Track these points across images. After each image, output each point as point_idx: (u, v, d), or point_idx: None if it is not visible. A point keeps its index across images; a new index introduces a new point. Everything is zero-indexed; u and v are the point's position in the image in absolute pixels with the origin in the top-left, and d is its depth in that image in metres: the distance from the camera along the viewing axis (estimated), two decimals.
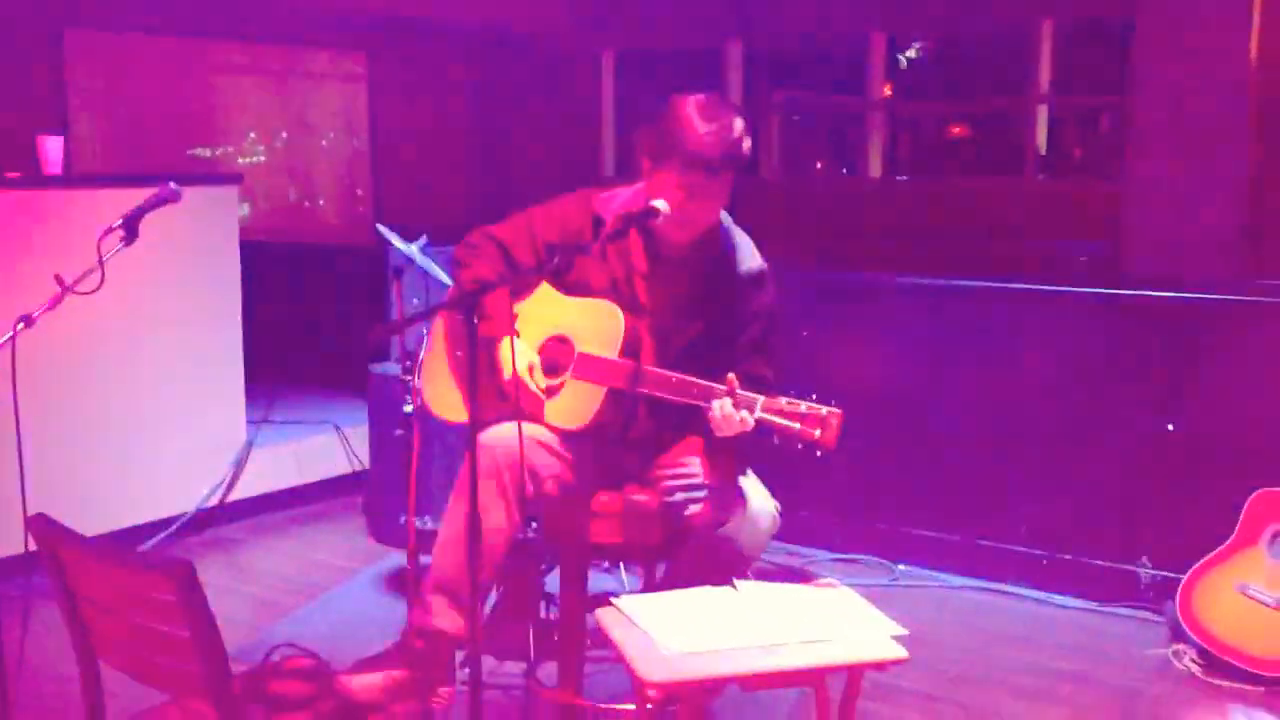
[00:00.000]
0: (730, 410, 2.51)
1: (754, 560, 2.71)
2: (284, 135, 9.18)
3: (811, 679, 2.32)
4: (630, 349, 2.75)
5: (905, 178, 9.62)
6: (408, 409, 3.78)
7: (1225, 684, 3.60)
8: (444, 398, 2.97)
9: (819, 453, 2.49)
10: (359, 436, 5.29)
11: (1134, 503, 4.15)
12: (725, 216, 2.88)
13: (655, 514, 2.79)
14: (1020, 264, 6.62)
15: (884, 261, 6.10)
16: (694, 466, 2.77)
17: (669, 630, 2.33)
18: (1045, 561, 4.28)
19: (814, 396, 2.52)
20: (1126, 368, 4.20)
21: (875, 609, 2.48)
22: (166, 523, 4.68)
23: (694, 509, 2.70)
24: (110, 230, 2.78)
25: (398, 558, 4.59)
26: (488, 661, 3.02)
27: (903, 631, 2.37)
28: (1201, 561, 3.76)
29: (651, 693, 2.19)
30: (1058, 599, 4.22)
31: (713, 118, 2.67)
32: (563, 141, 9.42)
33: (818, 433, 2.47)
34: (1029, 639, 3.94)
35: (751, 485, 2.73)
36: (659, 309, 2.82)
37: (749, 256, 2.86)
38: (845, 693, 2.38)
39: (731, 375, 2.55)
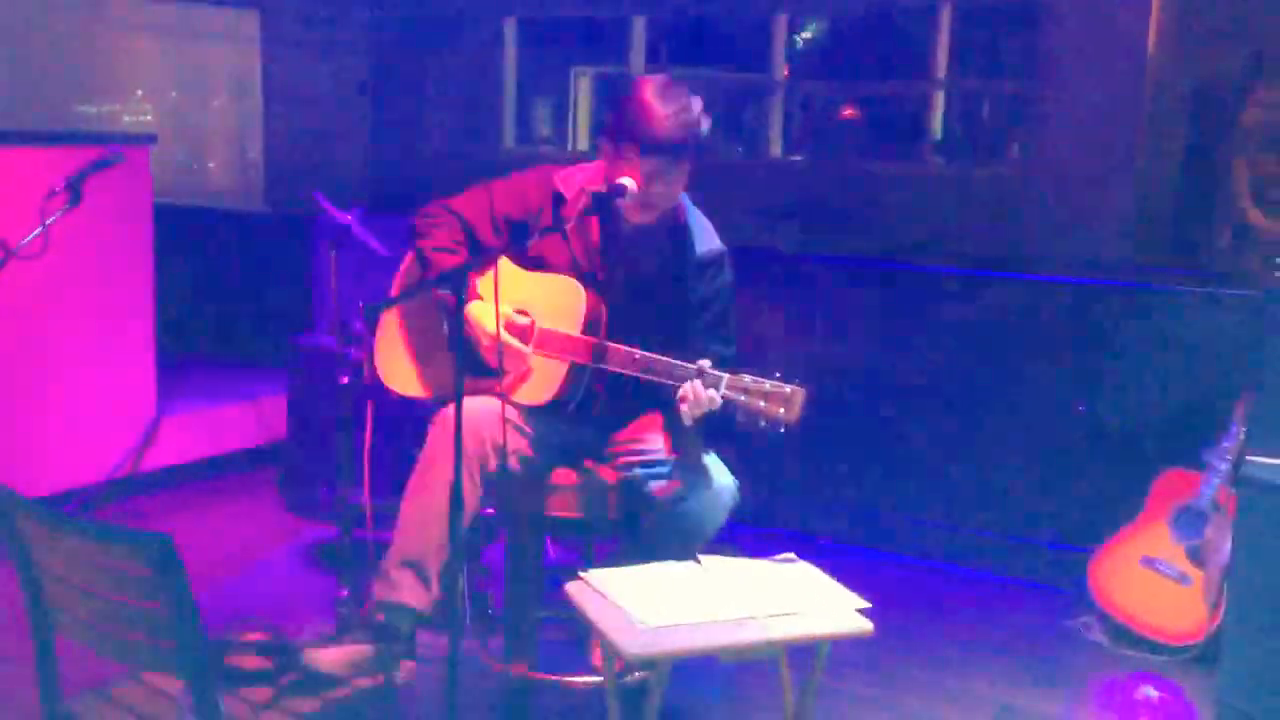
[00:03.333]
0: (700, 389, 2.55)
1: (712, 535, 2.76)
2: (173, 95, 8.92)
3: (780, 650, 2.38)
4: (591, 325, 2.78)
5: (799, 157, 9.74)
6: (345, 381, 3.74)
7: (1131, 654, 3.79)
8: (399, 371, 2.96)
9: (783, 429, 2.55)
10: (272, 408, 5.20)
11: (1043, 480, 4.32)
12: (684, 198, 2.92)
13: (614, 489, 2.82)
14: (925, 245, 6.78)
15: (784, 240, 6.20)
16: (653, 442, 2.82)
17: (641, 604, 2.37)
18: (958, 536, 4.43)
19: (778, 374, 2.59)
20: (1038, 350, 4.36)
21: (835, 582, 2.56)
22: (75, 494, 4.55)
23: (655, 484, 2.74)
24: (53, 193, 2.71)
25: (317, 531, 4.55)
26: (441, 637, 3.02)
27: (865, 604, 2.45)
28: (1110, 537, 3.94)
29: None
30: (970, 572, 4.38)
31: (671, 100, 2.71)
32: (463, 108, 9.33)
33: (782, 410, 2.54)
34: (945, 611, 4.09)
35: (711, 460, 2.79)
36: (617, 288, 2.85)
37: (708, 238, 2.91)
38: (814, 662, 2.46)
39: (704, 360, 2.60)
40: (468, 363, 2.86)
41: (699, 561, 2.62)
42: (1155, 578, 3.81)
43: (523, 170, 2.97)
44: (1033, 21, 6.32)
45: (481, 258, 2.71)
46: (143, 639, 2.17)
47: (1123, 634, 3.84)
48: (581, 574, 2.53)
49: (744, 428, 2.57)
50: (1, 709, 3.07)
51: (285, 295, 5.81)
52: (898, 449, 4.54)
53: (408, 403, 3.63)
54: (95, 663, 2.46)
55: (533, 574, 2.90)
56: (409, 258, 3.02)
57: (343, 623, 2.69)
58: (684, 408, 2.60)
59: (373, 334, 3.58)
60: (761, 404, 2.54)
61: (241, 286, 6.11)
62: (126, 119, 8.46)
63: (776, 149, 9.04)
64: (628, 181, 2.68)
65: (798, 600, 2.44)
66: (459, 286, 2.28)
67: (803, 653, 2.50)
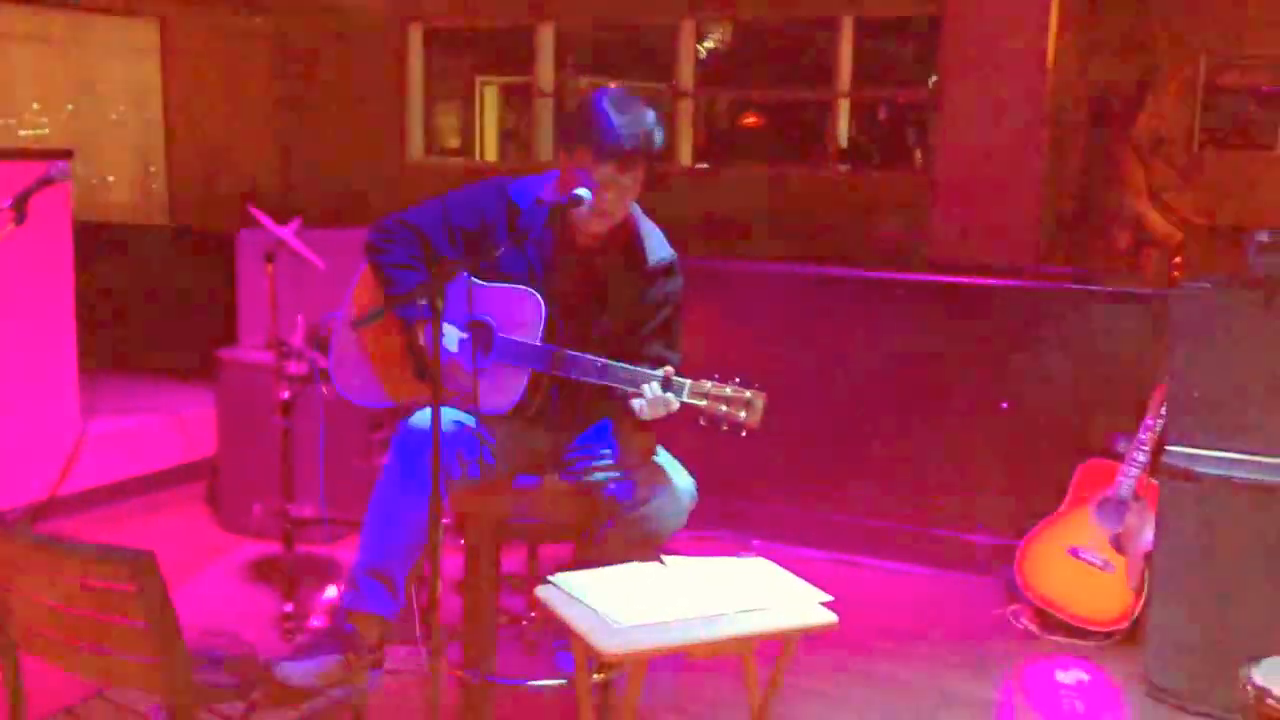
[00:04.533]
0: (659, 393, 2.61)
1: (670, 536, 2.82)
2: (69, 107, 8.71)
3: (750, 646, 2.45)
4: (549, 334, 2.83)
5: (705, 165, 9.88)
6: (285, 395, 3.73)
7: (1060, 640, 3.94)
8: (358, 382, 2.97)
9: (744, 433, 2.63)
10: (196, 423, 5.13)
11: (970, 476, 4.47)
12: (635, 208, 2.98)
13: (573, 494, 2.87)
14: (836, 250, 6.94)
15: (703, 248, 6.29)
16: (609, 448, 2.87)
17: (614, 605, 2.42)
18: (889, 533, 4.56)
19: (738, 380, 2.66)
20: (962, 350, 4.51)
21: (795, 578, 2.64)
22: None
23: (613, 489, 2.79)
24: None
25: (252, 547, 4.51)
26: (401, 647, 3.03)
27: (828, 598, 2.54)
28: (1034, 528, 4.09)
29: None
30: (902, 567, 4.50)
31: (625, 109, 2.77)
32: (369, 116, 9.28)
33: (743, 414, 2.61)
34: (880, 604, 4.20)
35: (668, 462, 2.85)
36: (571, 297, 2.89)
37: (659, 246, 2.98)
38: (779, 658, 2.53)
39: (669, 368, 2.66)
40: (425, 374, 2.89)
41: (662, 561, 2.68)
42: (1080, 566, 3.97)
43: (476, 183, 3.00)
44: (936, 32, 6.51)
45: (445, 272, 2.73)
46: (121, 656, 2.15)
47: (1051, 621, 3.99)
48: (551, 578, 2.58)
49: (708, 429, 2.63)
50: None
51: (202, 309, 5.73)
52: (824, 448, 4.65)
53: (348, 418, 3.63)
54: (58, 684, 2.44)
55: (491, 581, 2.93)
56: (364, 271, 3.04)
57: (301, 636, 2.69)
58: (641, 405, 2.64)
59: (327, 348, 3.59)
60: (723, 409, 2.61)
61: (155, 301, 6.00)
62: (22, 133, 8.24)
63: (686, 158, 9.15)
64: (584, 192, 2.73)
65: (764, 596, 2.52)
66: (434, 300, 2.31)
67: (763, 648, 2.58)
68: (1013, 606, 4.13)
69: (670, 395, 2.63)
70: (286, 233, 3.81)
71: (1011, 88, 6.06)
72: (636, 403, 2.65)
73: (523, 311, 2.83)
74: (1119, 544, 3.93)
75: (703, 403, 2.62)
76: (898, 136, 9.46)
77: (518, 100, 11.40)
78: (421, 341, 2.79)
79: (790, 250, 6.75)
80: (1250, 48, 6.16)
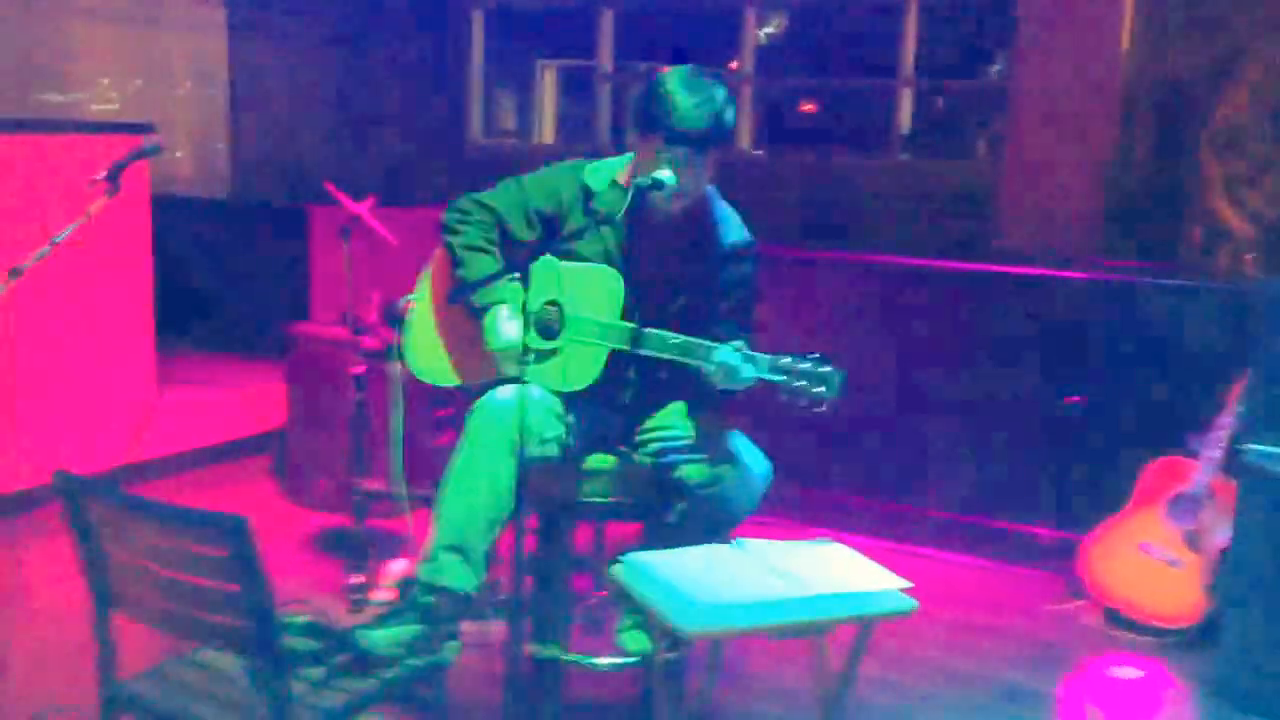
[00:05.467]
0: (733, 360, 2.60)
1: (744, 519, 2.82)
2: (138, 83, 8.81)
3: (829, 630, 2.46)
4: (627, 312, 2.84)
5: (760, 151, 9.82)
6: (356, 370, 3.77)
7: (1125, 636, 3.91)
8: (432, 361, 2.99)
9: (823, 409, 2.62)
10: (265, 396, 5.20)
11: (1034, 469, 4.44)
12: (711, 189, 2.98)
13: (647, 474, 2.88)
14: (903, 242, 6.89)
15: (765, 235, 6.26)
16: (683, 428, 2.88)
17: (692, 585, 2.43)
18: (951, 524, 4.54)
19: (817, 355, 2.66)
20: (1031, 342, 4.48)
21: (873, 563, 2.64)
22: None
23: (686, 469, 2.80)
24: (95, 182, 2.73)
25: (318, 519, 4.56)
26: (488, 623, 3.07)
27: (907, 584, 2.53)
28: (1102, 523, 4.06)
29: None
30: (962, 559, 4.48)
31: (696, 90, 2.76)
32: (431, 99, 9.31)
33: (821, 390, 2.60)
34: (944, 596, 4.18)
35: (743, 445, 2.85)
36: (646, 277, 2.90)
37: (734, 228, 2.98)
38: (855, 643, 2.53)
39: (739, 341, 2.66)
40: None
41: (737, 543, 2.69)
42: (1150, 562, 3.93)
43: (552, 164, 3.01)
44: (1005, 16, 6.44)
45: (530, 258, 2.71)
46: (213, 618, 2.20)
47: (1116, 617, 3.96)
48: (624, 557, 2.59)
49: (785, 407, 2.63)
50: (57, 692, 3.09)
51: (273, 284, 5.79)
52: (895, 440, 4.64)
53: (414, 395, 3.67)
54: (145, 643, 2.50)
55: (564, 559, 2.95)
56: (439, 252, 3.05)
57: (394, 605, 2.72)
58: (716, 375, 2.64)
59: (401, 325, 3.62)
60: (802, 384, 2.61)
61: (226, 275, 6.08)
62: (93, 108, 8.35)
63: (745, 142, 9.10)
64: (667, 176, 2.73)
65: (843, 580, 2.52)
66: (525, 276, 2.34)
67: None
68: (1077, 602, 4.10)
69: (747, 366, 2.62)
70: (363, 209, 3.84)
71: (1084, 76, 5.99)
72: (709, 367, 2.64)
73: (600, 290, 2.84)
74: (1192, 542, 3.89)
75: (781, 377, 2.62)
76: (959, 125, 9.36)
77: (575, 83, 11.40)
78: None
79: (851, 239, 6.70)
80: None
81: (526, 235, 2.92)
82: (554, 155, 9.05)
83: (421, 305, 3.04)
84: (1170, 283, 4.48)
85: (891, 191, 7.96)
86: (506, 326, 2.81)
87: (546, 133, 11.29)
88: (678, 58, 10.06)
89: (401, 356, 3.09)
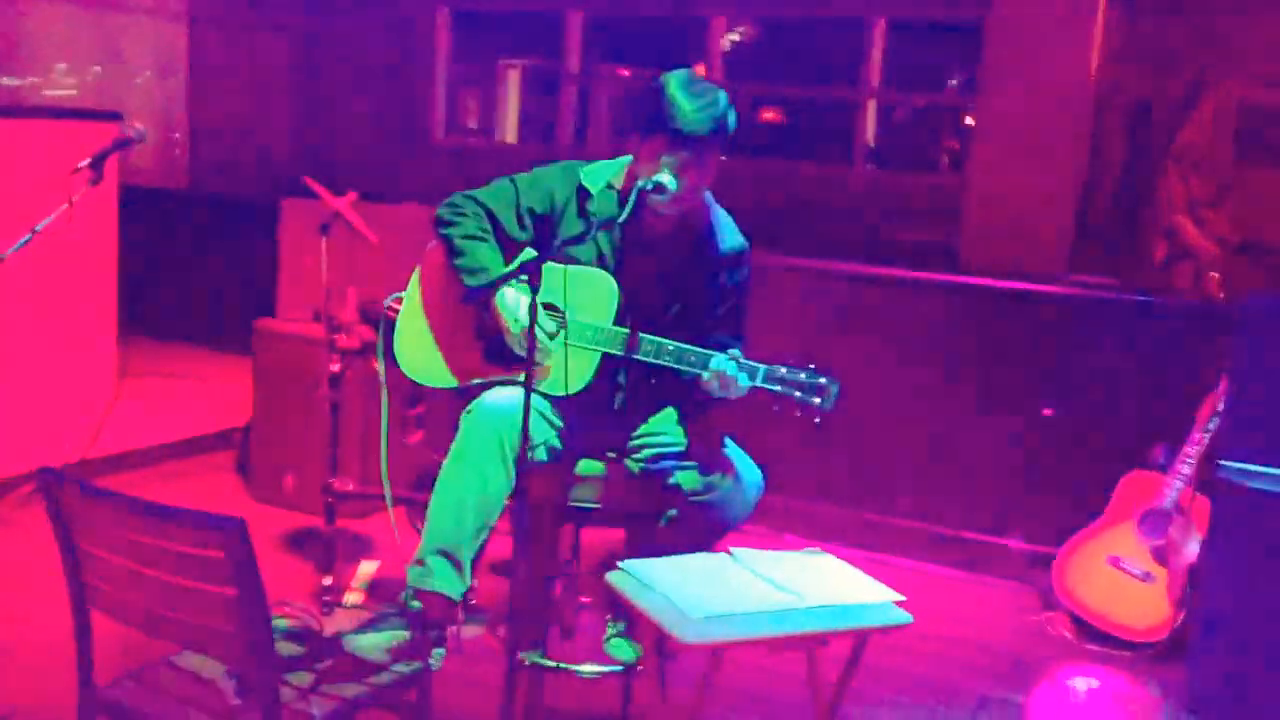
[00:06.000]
0: (728, 369, 2.59)
1: (736, 527, 2.81)
2: (96, 69, 8.66)
3: (825, 642, 2.44)
4: (621, 317, 2.81)
5: (724, 157, 9.80)
6: (334, 368, 3.70)
7: (1096, 649, 3.94)
8: (422, 359, 2.94)
9: (818, 420, 2.62)
10: (228, 392, 5.11)
11: (1007, 481, 4.47)
12: (707, 194, 2.96)
13: (638, 481, 2.86)
14: (867, 250, 6.91)
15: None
16: (675, 435, 2.86)
17: (689, 595, 2.41)
18: (922, 533, 4.55)
19: (811, 366, 2.65)
20: (1004, 355, 4.51)
21: (865, 575, 2.63)
22: (27, 478, 4.42)
23: (680, 476, 2.78)
24: (78, 170, 2.66)
25: (284, 519, 4.49)
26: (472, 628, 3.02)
27: (900, 597, 2.53)
28: (1075, 536, 4.09)
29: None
30: (936, 569, 4.50)
31: (699, 94, 2.75)
32: (393, 96, 9.24)
33: (817, 400, 2.60)
34: (914, 607, 4.16)
35: (735, 454, 2.83)
36: (640, 281, 2.87)
37: (730, 233, 2.96)
38: (851, 656, 2.52)
39: (737, 351, 2.65)
40: (497, 354, 2.87)
41: (730, 553, 2.67)
42: (1121, 576, 3.96)
43: (545, 164, 2.98)
44: (976, 36, 6.48)
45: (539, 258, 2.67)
46: (203, 622, 2.14)
47: (1088, 629, 3.98)
48: (620, 564, 2.56)
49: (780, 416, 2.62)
50: (37, 695, 3.01)
51: (235, 278, 5.70)
52: (859, 447, 4.64)
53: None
54: (122, 648, 2.43)
55: (550, 564, 2.92)
56: (432, 248, 3.01)
57: (382, 609, 2.68)
58: (712, 383, 2.63)
59: (378, 324, 3.57)
60: (798, 394, 2.60)
61: (188, 268, 5.97)
62: (48, 93, 8.19)
63: None
64: (667, 179, 2.71)
65: (839, 592, 2.50)
66: (536, 273, 2.31)
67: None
68: (1048, 613, 4.12)
69: (743, 375, 2.62)
70: (343, 205, 3.78)
71: (1052, 95, 6.04)
72: (706, 374, 2.63)
73: (595, 294, 2.81)
74: (1161, 556, 3.92)
75: (777, 388, 2.61)
76: (923, 139, 9.42)
77: (539, 83, 11.34)
78: (492, 322, 2.77)
79: (814, 248, 6.72)
80: (1268, 65, 6.14)
81: (519, 234, 2.89)
82: (517, 154, 9.06)
83: (412, 304, 3.00)
84: (1141, 299, 4.53)
85: (853, 203, 8.00)
86: (516, 301, 2.77)
87: (509, 132, 11.24)
88: (644, 61, 10.04)
89: (389, 356, 3.04)
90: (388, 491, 3.34)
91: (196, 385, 5.17)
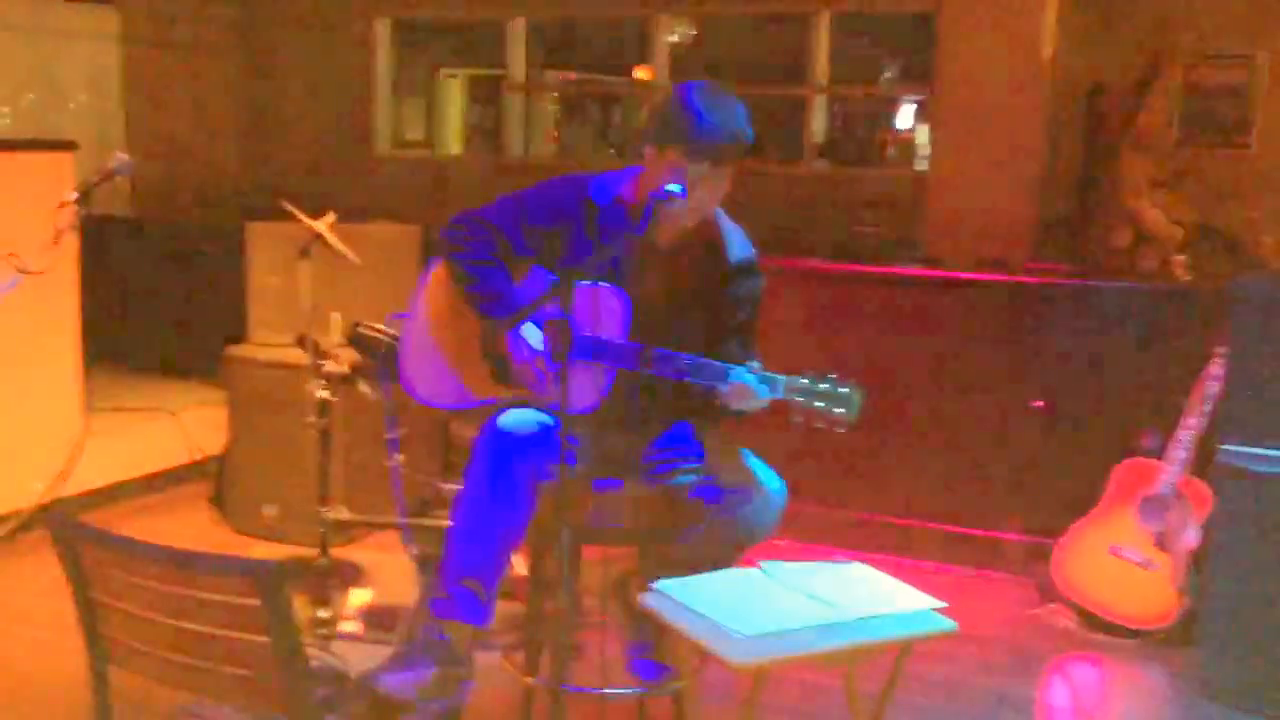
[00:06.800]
0: (748, 381, 2.54)
1: (762, 541, 2.75)
2: (30, 96, 8.42)
3: (872, 654, 2.39)
4: (634, 331, 2.75)
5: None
6: (323, 394, 3.60)
7: (1101, 638, 3.94)
8: (432, 381, 2.86)
9: (842, 429, 2.57)
10: (200, 422, 4.98)
11: (1001, 475, 4.46)
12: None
13: (656, 497, 2.79)
14: (826, 247, 6.89)
15: None
16: (693, 450, 2.80)
17: (730, 614, 2.34)
18: (918, 532, 4.53)
19: (833, 375, 2.60)
20: (994, 348, 4.50)
21: (901, 583, 2.58)
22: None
23: (699, 491, 2.72)
24: (65, 204, 2.56)
25: (265, 550, 4.37)
26: (489, 656, 2.92)
27: (942, 604, 2.49)
28: (1073, 526, 4.08)
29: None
30: (933, 566, 4.47)
31: (717, 106, 2.70)
32: (334, 110, 9.09)
33: (841, 411, 2.55)
34: None
35: (757, 465, 2.78)
36: (651, 295, 2.81)
37: (740, 244, 2.91)
38: (895, 666, 2.48)
39: (756, 364, 2.60)
40: (505, 374, 2.79)
41: (760, 566, 2.61)
42: (1122, 565, 3.96)
43: (552, 179, 2.90)
44: (922, 27, 6.50)
45: (568, 277, 2.57)
46: (235, 670, 2.04)
47: (1092, 620, 3.98)
48: (653, 585, 2.50)
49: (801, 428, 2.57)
50: None
51: (198, 305, 5.56)
52: (852, 447, 4.61)
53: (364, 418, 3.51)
54: (140, 698, 2.34)
55: (571, 586, 2.84)
56: (436, 271, 2.92)
57: (408, 646, 2.59)
58: (731, 396, 2.58)
59: (366, 347, 3.48)
60: (820, 405, 2.55)
61: (148, 296, 5.81)
62: None
63: None
64: (677, 188, 2.65)
65: (881, 602, 2.46)
66: (567, 294, 2.24)
67: None
68: (1051, 605, 4.12)
69: (763, 388, 2.56)
70: (322, 226, 3.69)
71: (1008, 84, 6.05)
72: (724, 388, 2.58)
73: (606, 309, 2.74)
74: (1162, 542, 3.93)
75: (800, 399, 2.56)
76: (870, 132, 9.46)
77: (481, 93, 11.24)
78: (499, 346, 2.70)
79: (773, 247, 6.69)
80: (1227, 45, 6.21)
81: (527, 252, 2.81)
82: (461, 165, 8.92)
83: (418, 324, 2.91)
84: (1123, 286, 4.54)
85: (807, 199, 7.98)
86: (533, 338, 2.70)
87: (453, 142, 11.13)
88: (589, 66, 9.94)
89: (394, 379, 2.96)
90: (399, 518, 3.25)
91: (164, 416, 5.02)
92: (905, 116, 9.82)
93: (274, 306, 4.50)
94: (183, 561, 2.02)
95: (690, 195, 2.68)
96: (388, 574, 3.87)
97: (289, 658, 1.99)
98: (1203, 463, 3.88)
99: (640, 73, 10.23)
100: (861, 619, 2.38)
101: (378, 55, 9.21)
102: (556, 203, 2.83)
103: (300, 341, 3.76)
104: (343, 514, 3.67)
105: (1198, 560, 3.83)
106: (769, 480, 2.74)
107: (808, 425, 2.58)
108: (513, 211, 2.83)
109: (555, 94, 11.25)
